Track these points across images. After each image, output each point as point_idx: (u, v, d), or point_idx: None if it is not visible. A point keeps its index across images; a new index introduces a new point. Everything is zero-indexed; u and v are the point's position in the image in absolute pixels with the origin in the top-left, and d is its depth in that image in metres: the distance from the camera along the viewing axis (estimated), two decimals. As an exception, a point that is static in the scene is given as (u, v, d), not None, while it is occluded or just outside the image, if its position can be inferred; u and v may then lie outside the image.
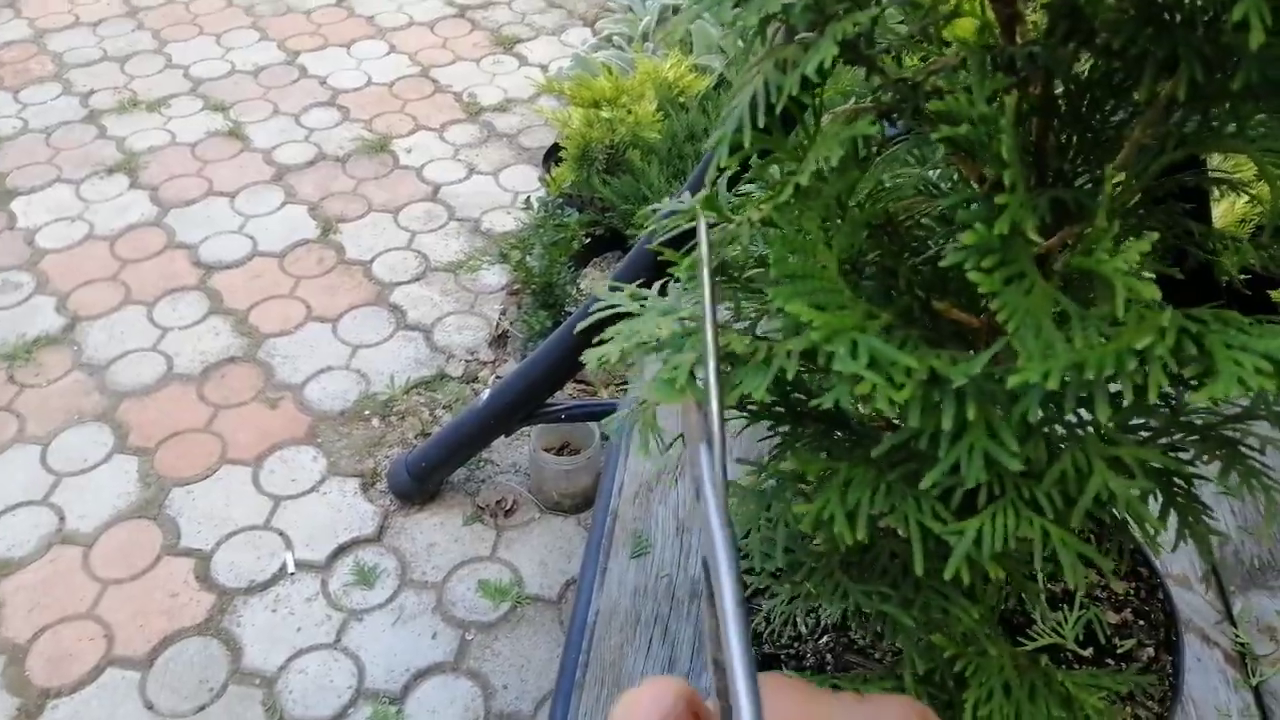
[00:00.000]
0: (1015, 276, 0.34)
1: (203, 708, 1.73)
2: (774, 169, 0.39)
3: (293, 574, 1.93)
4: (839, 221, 0.38)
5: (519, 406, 1.81)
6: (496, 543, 2.00)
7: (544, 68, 3.48)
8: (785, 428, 0.48)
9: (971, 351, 0.39)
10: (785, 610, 0.54)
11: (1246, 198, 2.13)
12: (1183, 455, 0.51)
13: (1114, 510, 0.37)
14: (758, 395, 0.43)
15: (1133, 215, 0.45)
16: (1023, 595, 0.73)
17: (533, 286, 2.27)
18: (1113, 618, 0.74)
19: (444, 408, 2.24)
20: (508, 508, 2.07)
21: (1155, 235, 0.33)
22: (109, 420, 2.22)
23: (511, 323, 2.44)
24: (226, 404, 2.26)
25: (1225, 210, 1.97)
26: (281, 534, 1.99)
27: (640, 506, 1.17)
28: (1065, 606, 0.75)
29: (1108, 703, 0.65)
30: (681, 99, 2.65)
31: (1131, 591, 0.76)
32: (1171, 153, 0.44)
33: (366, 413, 2.23)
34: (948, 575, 0.36)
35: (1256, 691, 0.98)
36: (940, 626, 0.45)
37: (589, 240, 2.46)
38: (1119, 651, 0.72)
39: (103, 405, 2.25)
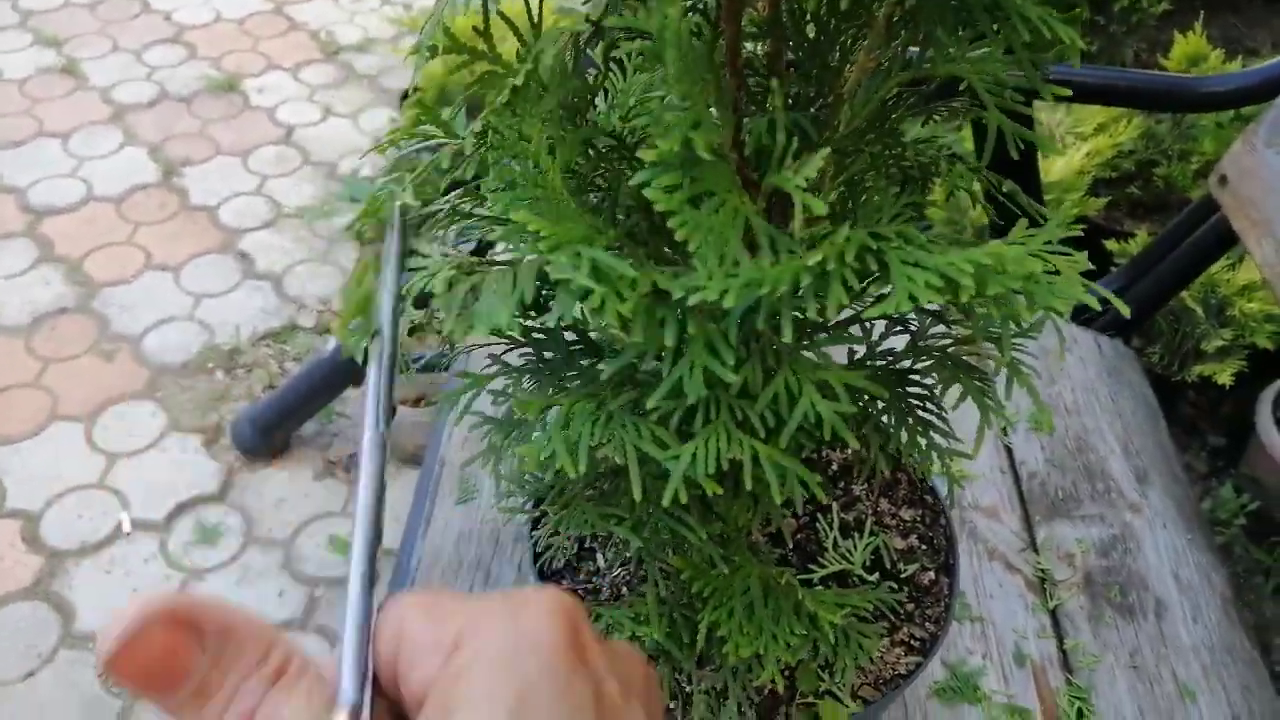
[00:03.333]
0: (703, 195, 0.33)
1: (31, 674, 1.64)
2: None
3: (129, 534, 1.84)
4: (562, 134, 0.37)
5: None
6: (349, 497, 1.95)
7: (408, 5, 3.36)
8: (535, 362, 0.47)
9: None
10: (551, 540, 0.53)
11: (1085, 151, 2.21)
12: (926, 380, 0.52)
13: (823, 431, 0.37)
14: (504, 324, 0.42)
15: (857, 140, 0.45)
16: (795, 518, 0.75)
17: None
18: (900, 543, 0.77)
19: (294, 360, 2.17)
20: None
21: (827, 150, 0.33)
22: (-77, 376, 2.07)
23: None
24: (57, 357, 2.13)
25: (1066, 163, 2.06)
26: (117, 493, 1.90)
27: (469, 453, 1.15)
28: (856, 534, 0.77)
29: (875, 620, 0.67)
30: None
31: (918, 519, 0.78)
32: (898, 75, 0.44)
33: (210, 365, 2.13)
34: (666, 500, 0.36)
35: (1053, 614, 1.03)
36: (682, 548, 0.45)
37: (445, 186, 2.40)
38: (903, 575, 0.75)
39: (-84, 360, 2.10)
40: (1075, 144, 2.03)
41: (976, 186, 0.53)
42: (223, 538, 1.85)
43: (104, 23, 3.15)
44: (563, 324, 0.45)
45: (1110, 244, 1.92)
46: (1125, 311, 0.39)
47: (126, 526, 1.85)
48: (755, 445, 0.37)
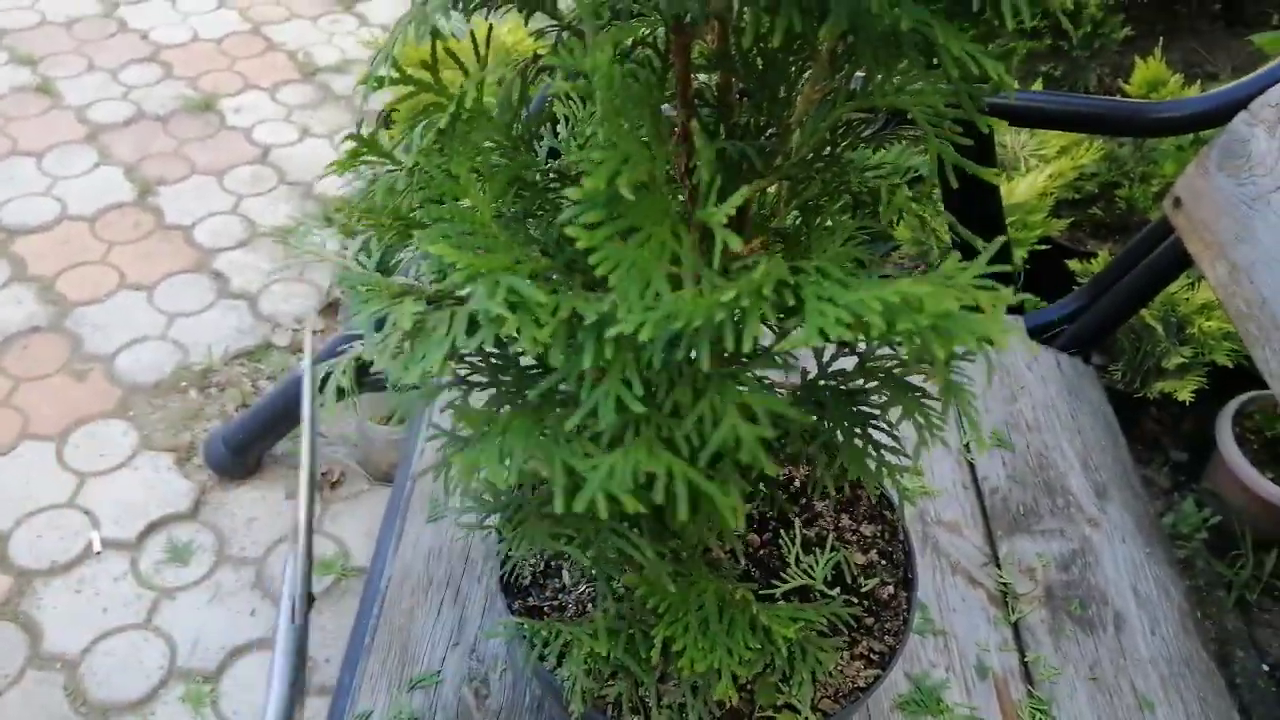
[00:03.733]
0: (627, 231, 0.34)
1: (-2, 696, 1.63)
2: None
3: (99, 553, 1.83)
4: (493, 169, 0.39)
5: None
6: (323, 515, 1.95)
7: (385, 28, 3.37)
8: (490, 387, 0.49)
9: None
10: (515, 557, 0.54)
11: (1048, 173, 2.24)
12: (874, 399, 0.54)
13: (744, 453, 0.38)
14: (435, 368, 0.43)
15: (808, 167, 0.47)
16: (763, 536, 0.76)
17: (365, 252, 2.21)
18: (860, 559, 0.78)
19: (268, 379, 2.17)
20: (335, 480, 2.02)
21: (747, 189, 0.35)
22: (-109, 395, 2.05)
23: (343, 290, 2.37)
24: (28, 376, 2.12)
25: (1029, 185, 2.09)
26: (88, 512, 1.89)
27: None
28: (818, 549, 0.78)
29: (833, 634, 0.69)
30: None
31: (879, 534, 0.80)
32: (842, 106, 0.46)
33: (183, 384, 2.13)
34: (579, 507, 0.37)
35: (1015, 627, 1.05)
36: (635, 565, 0.46)
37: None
38: (863, 590, 0.76)
39: (-116, 379, 2.08)
40: (1039, 166, 2.07)
41: (928, 214, 0.55)
42: (194, 556, 1.84)
43: (80, 41, 3.15)
44: (512, 349, 0.47)
45: (1073, 264, 1.96)
46: (1034, 352, 0.41)
47: (97, 546, 1.84)
48: (673, 462, 0.39)
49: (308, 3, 3.48)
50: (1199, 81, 2.18)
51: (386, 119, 2.70)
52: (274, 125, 2.88)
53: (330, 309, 2.35)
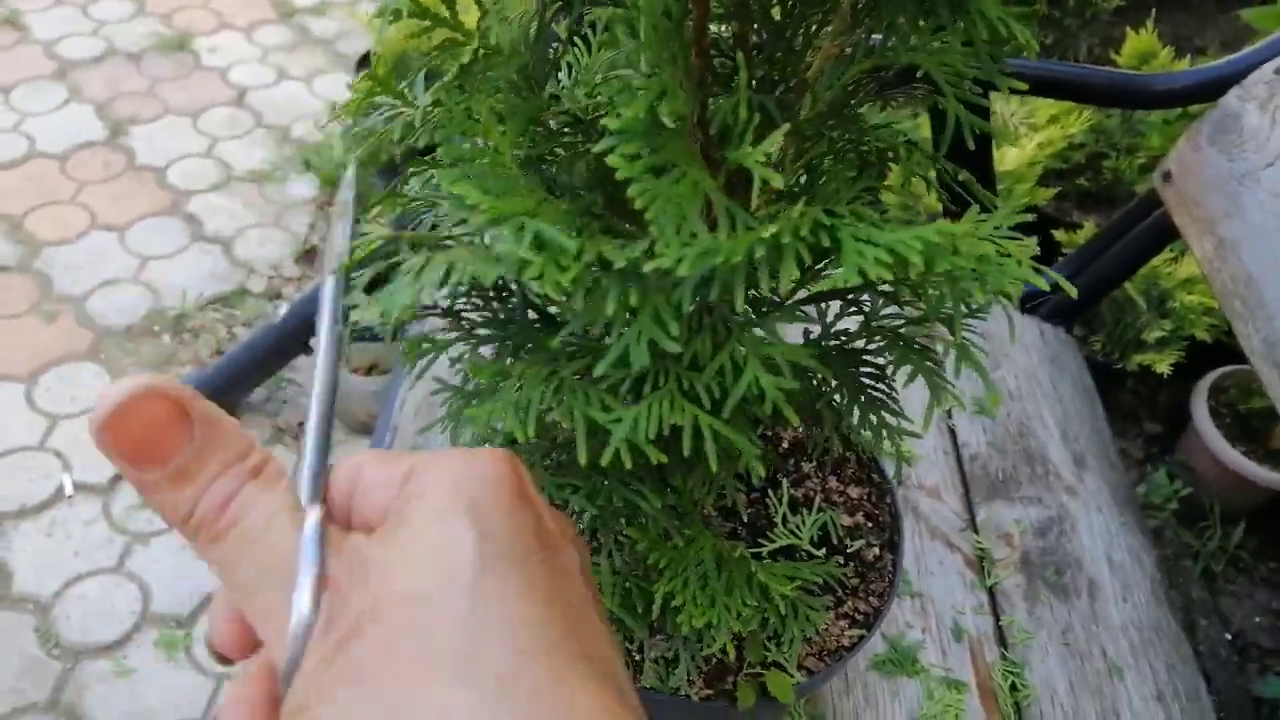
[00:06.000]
0: (664, 166, 0.34)
1: (-33, 638, 1.62)
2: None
3: (71, 496, 1.81)
4: (513, 108, 0.37)
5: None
6: (298, 465, 1.94)
7: (366, -30, 3.29)
8: (495, 331, 0.48)
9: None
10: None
11: (1037, 142, 2.24)
12: (878, 360, 0.54)
13: (765, 406, 0.38)
14: (400, 310, 0.42)
15: (819, 124, 0.46)
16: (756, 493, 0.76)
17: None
18: (846, 520, 0.79)
19: (244, 325, 2.14)
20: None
21: (787, 126, 0.34)
22: None
23: (320, 238, 2.34)
24: (-3, 316, 2.08)
25: (1018, 153, 2.09)
26: (59, 455, 1.86)
27: (422, 421, 1.15)
28: (805, 510, 0.78)
29: (821, 594, 0.69)
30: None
31: (865, 496, 0.80)
32: (861, 62, 0.45)
33: (157, 328, 2.09)
34: (605, 460, 0.37)
35: (990, 592, 1.07)
36: (637, 520, 0.46)
37: (403, 152, 2.37)
38: (849, 551, 0.77)
39: None
40: (1028, 134, 2.07)
41: (933, 174, 0.55)
42: (168, 504, 1.82)
43: (49, -28, 3.05)
44: (516, 299, 0.46)
45: (1059, 234, 1.96)
46: (1072, 293, 0.41)
47: (68, 489, 1.82)
48: (697, 413, 0.38)
49: (287, -59, 3.39)
50: (1188, 55, 2.18)
51: (362, 62, 2.65)
52: (250, 67, 2.82)
53: (307, 255, 2.32)
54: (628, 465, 0.37)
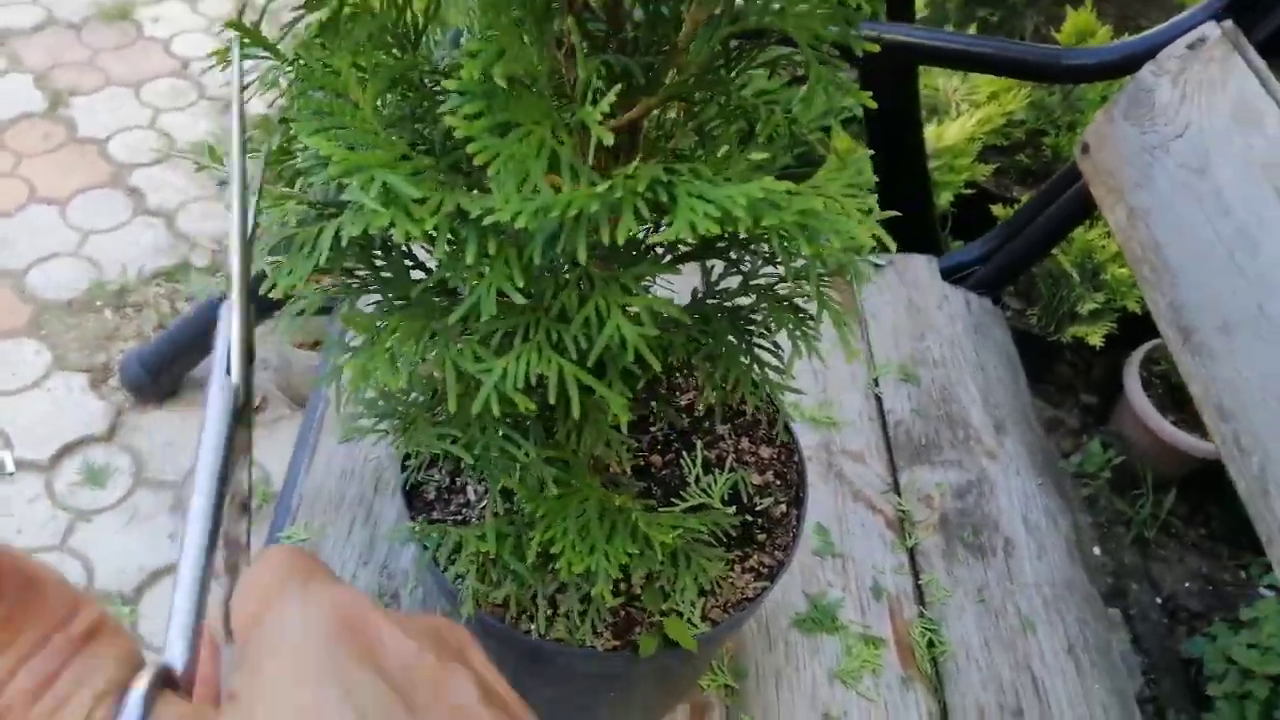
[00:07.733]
0: (508, 124, 0.35)
1: (-97, 615, 1.60)
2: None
3: (12, 474, 1.80)
4: (375, 65, 0.39)
5: (264, 297, 1.74)
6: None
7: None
8: (384, 292, 0.49)
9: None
10: (425, 475, 0.55)
11: (977, 118, 2.26)
12: (755, 317, 0.56)
13: (627, 354, 0.40)
14: (294, 285, 0.44)
15: (689, 87, 0.47)
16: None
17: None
18: (757, 479, 0.81)
19: (187, 300, 2.12)
20: (256, 405, 2.00)
21: (619, 86, 0.35)
22: None
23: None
24: (-68, 292, 2.05)
25: (958, 129, 2.12)
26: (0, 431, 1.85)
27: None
28: (717, 470, 0.81)
29: (723, 548, 0.71)
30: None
31: (775, 456, 0.83)
32: (728, 26, 0.47)
33: (98, 303, 2.07)
34: (476, 408, 0.38)
35: (910, 552, 1.10)
36: (516, 470, 0.48)
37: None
38: (758, 509, 0.79)
39: None
40: (969, 111, 2.10)
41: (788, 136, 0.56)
42: (111, 479, 1.82)
43: (-14, -60, 2.98)
44: (395, 254, 0.47)
45: (997, 209, 2.00)
46: (891, 246, 0.42)
47: (10, 466, 1.80)
48: (562, 363, 0.40)
49: (234, -90, 3.33)
50: (1125, 34, 2.21)
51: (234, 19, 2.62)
52: (194, 37, 2.78)
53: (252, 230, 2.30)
54: (496, 413, 0.38)
